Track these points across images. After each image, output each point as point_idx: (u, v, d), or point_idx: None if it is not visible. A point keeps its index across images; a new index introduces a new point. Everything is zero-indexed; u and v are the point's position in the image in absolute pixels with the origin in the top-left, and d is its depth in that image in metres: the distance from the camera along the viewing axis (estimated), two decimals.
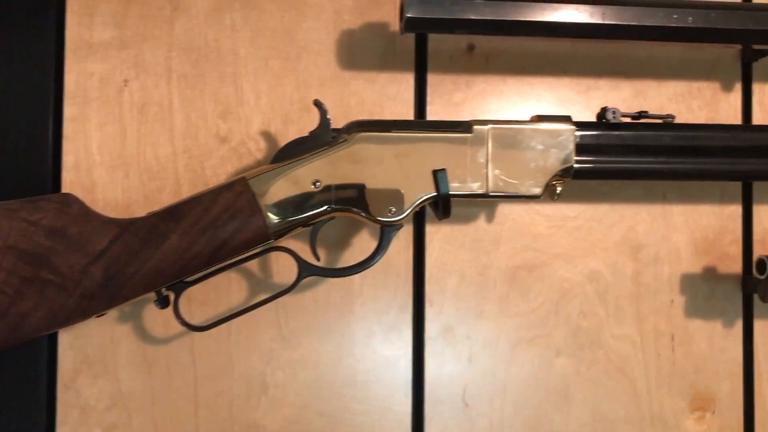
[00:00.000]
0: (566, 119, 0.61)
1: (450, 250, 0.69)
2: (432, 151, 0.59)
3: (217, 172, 0.67)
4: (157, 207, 0.58)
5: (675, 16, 0.61)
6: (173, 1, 0.67)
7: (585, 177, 0.61)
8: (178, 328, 0.60)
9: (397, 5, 0.63)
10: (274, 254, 0.66)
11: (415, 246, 0.69)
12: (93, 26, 0.66)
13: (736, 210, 0.72)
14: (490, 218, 0.70)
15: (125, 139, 0.66)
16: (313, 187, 0.57)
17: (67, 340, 0.65)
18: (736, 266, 0.72)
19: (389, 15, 0.68)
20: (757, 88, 0.73)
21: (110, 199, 0.66)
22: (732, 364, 0.72)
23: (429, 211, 0.66)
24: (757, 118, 0.73)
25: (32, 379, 0.64)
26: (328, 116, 0.59)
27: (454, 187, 0.59)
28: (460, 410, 0.69)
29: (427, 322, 0.69)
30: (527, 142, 0.60)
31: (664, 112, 0.70)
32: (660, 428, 0.71)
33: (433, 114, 0.69)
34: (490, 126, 0.59)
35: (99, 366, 0.65)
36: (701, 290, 0.72)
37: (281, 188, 0.57)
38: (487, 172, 0.59)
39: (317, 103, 0.59)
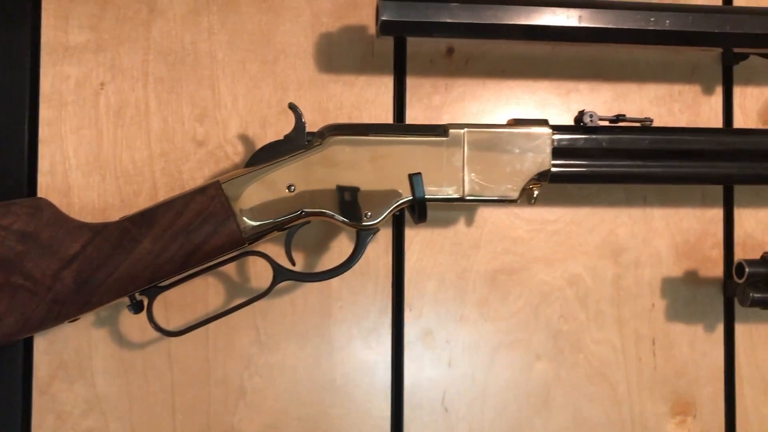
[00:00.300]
0: (543, 123, 0.60)
1: (429, 254, 0.69)
2: (407, 155, 0.58)
3: (194, 176, 0.66)
4: (133, 211, 0.58)
5: (652, 20, 0.61)
6: (150, 4, 0.66)
7: (562, 181, 0.61)
8: (156, 332, 0.59)
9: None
10: (251, 258, 0.65)
11: (395, 250, 0.69)
12: (69, 29, 0.65)
13: (717, 213, 0.72)
14: (469, 222, 0.69)
15: (101, 143, 0.66)
16: (287, 191, 0.57)
17: (42, 344, 0.64)
18: (717, 270, 0.72)
19: (368, 18, 0.68)
20: (738, 91, 0.73)
21: (86, 202, 0.65)
22: (713, 368, 0.71)
23: (408, 214, 0.65)
24: (738, 121, 0.73)
25: (7, 384, 0.64)
26: (303, 120, 0.58)
27: (430, 191, 0.58)
28: (440, 415, 0.68)
29: (407, 326, 0.68)
30: (503, 145, 0.59)
31: (644, 115, 0.69)
32: None
33: (412, 117, 0.69)
34: (465, 129, 0.59)
35: (75, 371, 0.65)
36: (682, 294, 0.71)
37: (255, 192, 0.57)
38: (463, 176, 0.59)
39: (292, 107, 0.58)
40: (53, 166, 0.65)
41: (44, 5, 0.65)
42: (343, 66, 0.68)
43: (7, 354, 0.64)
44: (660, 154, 0.62)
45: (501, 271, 0.69)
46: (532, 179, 0.60)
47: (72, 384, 0.65)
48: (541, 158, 0.60)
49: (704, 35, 0.62)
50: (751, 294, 0.63)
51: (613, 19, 0.61)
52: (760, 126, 0.73)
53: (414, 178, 0.58)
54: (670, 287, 0.71)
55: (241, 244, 0.57)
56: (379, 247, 0.68)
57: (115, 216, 0.62)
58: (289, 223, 0.57)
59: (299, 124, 0.58)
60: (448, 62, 0.70)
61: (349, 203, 0.57)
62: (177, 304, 0.66)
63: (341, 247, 0.67)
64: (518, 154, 0.59)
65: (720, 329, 0.72)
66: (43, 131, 0.65)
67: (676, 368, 0.71)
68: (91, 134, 0.65)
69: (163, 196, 0.65)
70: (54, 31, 0.65)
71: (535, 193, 0.61)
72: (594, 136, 0.61)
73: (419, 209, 0.58)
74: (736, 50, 0.69)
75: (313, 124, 0.62)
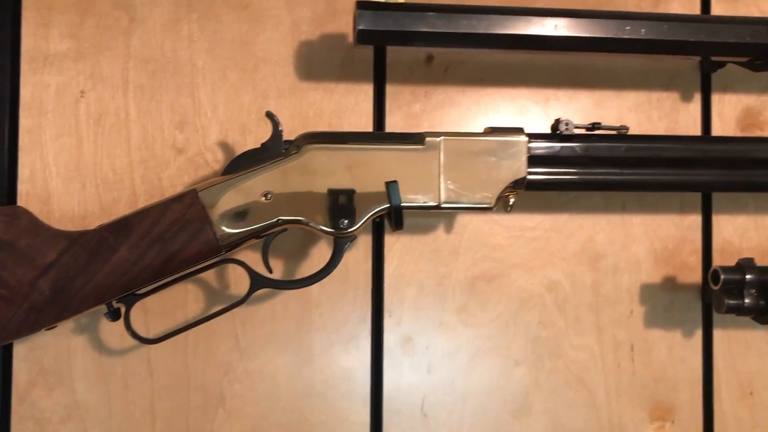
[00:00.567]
0: (519, 131, 0.61)
1: (409, 260, 0.69)
2: (384, 163, 0.59)
3: (173, 183, 0.66)
4: (113, 218, 0.58)
5: (628, 28, 0.61)
6: (130, 13, 0.67)
7: (538, 188, 0.61)
8: (135, 339, 0.59)
9: None
10: (231, 265, 0.66)
11: (374, 256, 0.69)
12: (49, 37, 0.66)
13: (695, 220, 0.73)
14: (449, 229, 0.70)
15: (81, 151, 0.66)
16: (263, 198, 0.57)
17: (22, 351, 0.65)
18: (695, 276, 0.72)
19: (347, 26, 0.69)
20: (716, 99, 0.73)
21: (66, 210, 0.65)
22: (692, 374, 0.72)
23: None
24: (717, 129, 0.73)
25: None
26: (281, 128, 0.59)
27: (407, 199, 0.59)
28: (419, 421, 0.69)
29: (386, 333, 0.69)
30: (480, 153, 0.60)
31: (623, 123, 0.70)
32: None
33: (392, 125, 0.69)
34: (442, 138, 0.59)
35: (54, 378, 0.65)
36: (661, 300, 0.72)
37: (231, 200, 0.57)
38: (439, 184, 0.59)
39: (269, 115, 0.59)
40: (33, 173, 0.65)
41: (24, 14, 0.66)
42: (322, 74, 0.69)
43: None
44: (636, 161, 0.63)
45: (480, 278, 0.70)
46: (508, 187, 0.60)
47: (51, 391, 0.65)
48: (516, 166, 0.60)
49: (679, 44, 0.63)
50: (726, 301, 0.63)
51: (589, 27, 0.61)
52: (738, 133, 0.73)
53: (390, 186, 0.58)
54: (649, 293, 0.72)
55: (218, 251, 0.57)
56: (359, 253, 0.69)
57: (95, 223, 0.61)
58: (266, 230, 0.58)
59: (276, 132, 0.59)
60: (428, 70, 0.70)
61: (326, 211, 0.58)
62: (156, 311, 0.66)
63: (321, 254, 0.68)
64: (494, 162, 0.60)
65: (698, 335, 0.72)
66: (23, 139, 0.65)
67: (655, 374, 0.71)
68: (71, 142, 0.66)
69: (143, 203, 0.65)
70: (34, 39, 0.66)
71: (511, 200, 0.61)
72: (569, 144, 0.61)
73: (395, 217, 0.59)
74: (714, 58, 0.69)
75: (293, 132, 0.63)
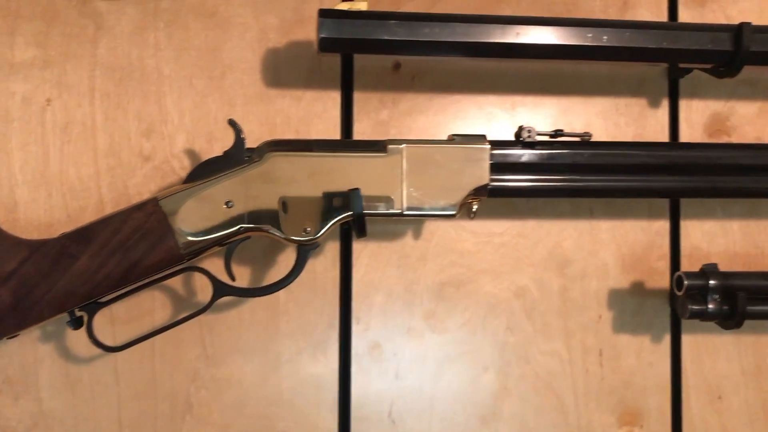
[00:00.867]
0: (481, 138, 0.61)
1: (377, 266, 0.69)
2: (346, 171, 0.59)
3: (140, 191, 0.67)
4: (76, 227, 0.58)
5: (589, 35, 0.62)
6: (97, 21, 0.67)
7: (501, 195, 0.62)
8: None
9: None
10: (198, 273, 0.65)
11: (342, 263, 0.69)
12: (15, 45, 0.66)
13: (664, 225, 0.73)
14: (417, 235, 0.70)
15: (48, 159, 0.66)
16: (225, 206, 0.57)
17: None
18: (664, 281, 0.73)
19: (314, 34, 0.68)
20: (684, 105, 0.74)
21: (33, 218, 0.65)
22: (660, 379, 0.72)
23: None
24: (685, 135, 0.73)
25: None
26: (243, 135, 0.59)
27: (369, 206, 0.59)
28: (387, 427, 0.69)
29: (354, 339, 0.69)
30: (442, 161, 0.60)
31: (590, 129, 0.70)
32: None
33: (359, 132, 0.69)
34: (404, 145, 0.60)
35: (20, 386, 0.65)
36: (629, 305, 0.72)
37: (193, 208, 0.57)
38: (402, 191, 0.59)
39: (231, 123, 0.59)
40: None
41: None
42: (290, 81, 0.69)
43: None
44: (600, 168, 0.63)
45: (448, 284, 0.70)
46: (470, 194, 0.60)
47: (17, 399, 0.65)
48: (479, 173, 0.60)
49: (642, 50, 0.63)
50: (689, 306, 0.64)
51: (551, 35, 0.61)
52: (706, 139, 0.74)
53: (353, 194, 0.58)
54: (617, 299, 0.72)
55: (180, 260, 0.57)
56: (327, 260, 0.69)
57: (61, 232, 0.62)
58: (228, 239, 0.58)
59: (238, 139, 0.59)
60: (396, 77, 0.70)
61: (288, 219, 0.58)
62: (123, 318, 0.66)
63: (288, 261, 0.67)
64: (457, 169, 0.60)
65: (667, 340, 0.72)
66: None
67: (623, 379, 0.72)
68: (37, 150, 0.66)
69: (109, 211, 0.65)
70: (0, 47, 0.66)
71: (475, 207, 0.62)
72: (532, 151, 0.61)
73: (358, 224, 0.59)
74: (681, 65, 0.70)
75: (260, 139, 0.63)
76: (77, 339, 0.66)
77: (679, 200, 0.73)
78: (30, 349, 0.65)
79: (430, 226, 0.70)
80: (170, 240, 0.56)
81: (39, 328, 0.65)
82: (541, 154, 0.61)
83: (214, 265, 0.63)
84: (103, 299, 0.58)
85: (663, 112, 0.73)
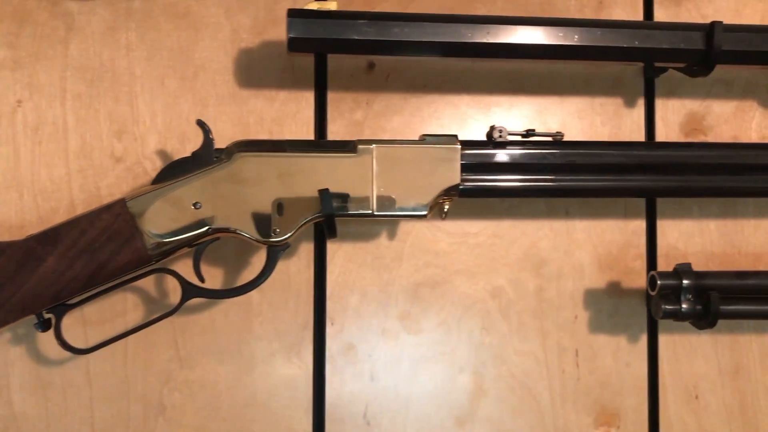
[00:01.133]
0: (452, 138, 0.61)
1: (352, 267, 0.69)
2: (316, 171, 0.59)
3: (112, 192, 0.66)
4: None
5: (560, 35, 0.62)
6: (67, 22, 0.66)
7: (472, 195, 0.61)
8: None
9: None
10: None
11: (317, 264, 0.69)
12: None
13: (640, 225, 0.73)
14: (391, 235, 0.70)
15: (19, 160, 0.66)
16: (193, 207, 0.57)
17: None
18: (640, 281, 0.72)
19: None
20: (660, 104, 0.73)
21: (3, 220, 0.65)
22: (637, 379, 0.72)
23: None
24: (661, 134, 0.73)
25: None
26: (211, 136, 0.59)
27: (339, 207, 0.59)
28: (362, 429, 0.69)
29: (329, 341, 0.69)
30: (412, 161, 0.60)
31: (566, 129, 0.70)
32: None
33: (333, 132, 0.69)
34: (374, 145, 0.59)
35: None
36: (605, 305, 0.72)
37: (161, 210, 0.57)
38: (372, 192, 0.59)
39: (200, 123, 0.59)
40: None
41: None
42: (263, 81, 0.69)
43: None
44: (572, 168, 0.63)
45: (423, 284, 0.70)
46: (441, 194, 0.60)
47: None
48: (450, 173, 0.60)
49: (613, 50, 0.63)
50: (663, 306, 0.64)
51: (522, 34, 0.61)
52: (682, 138, 0.73)
53: (322, 194, 0.58)
54: (593, 299, 0.72)
55: (148, 261, 0.57)
56: (301, 261, 0.68)
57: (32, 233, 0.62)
58: (196, 240, 0.57)
59: (207, 140, 0.58)
60: (370, 77, 0.70)
61: (257, 220, 0.58)
62: (94, 320, 0.66)
63: (261, 262, 0.67)
64: (427, 170, 0.60)
65: (643, 340, 0.72)
66: None
67: (600, 379, 0.71)
68: (8, 151, 0.65)
69: (81, 212, 0.65)
70: None
71: (446, 207, 0.61)
72: (503, 151, 0.61)
73: (328, 225, 0.59)
74: (657, 64, 0.69)
75: (233, 140, 0.62)
76: (48, 341, 0.65)
77: (656, 200, 0.73)
78: (1, 352, 0.65)
79: (405, 226, 0.70)
80: (138, 241, 0.56)
81: (9, 330, 0.65)
82: (512, 153, 0.61)
83: (186, 266, 0.62)
84: (72, 301, 0.57)
85: (639, 111, 0.73)
